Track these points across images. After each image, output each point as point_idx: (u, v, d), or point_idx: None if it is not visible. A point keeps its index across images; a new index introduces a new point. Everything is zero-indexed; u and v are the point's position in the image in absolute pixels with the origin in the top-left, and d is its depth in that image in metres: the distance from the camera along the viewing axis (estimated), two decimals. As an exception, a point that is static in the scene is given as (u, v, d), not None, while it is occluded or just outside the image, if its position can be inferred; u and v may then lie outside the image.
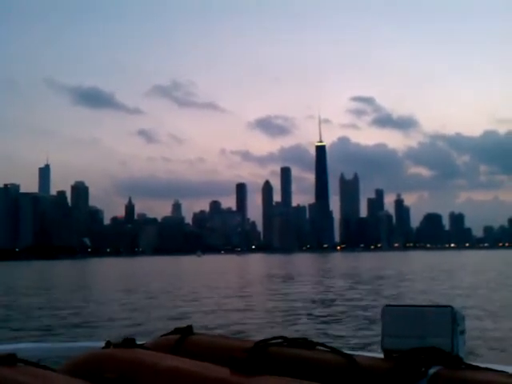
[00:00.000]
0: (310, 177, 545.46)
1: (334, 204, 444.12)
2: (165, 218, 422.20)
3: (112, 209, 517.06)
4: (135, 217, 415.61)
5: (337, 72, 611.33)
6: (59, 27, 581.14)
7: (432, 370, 1.51)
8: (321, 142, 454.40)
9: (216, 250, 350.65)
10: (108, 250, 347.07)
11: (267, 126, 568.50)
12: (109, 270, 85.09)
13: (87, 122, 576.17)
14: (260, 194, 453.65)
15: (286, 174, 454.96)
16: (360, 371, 1.58)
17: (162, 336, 2.04)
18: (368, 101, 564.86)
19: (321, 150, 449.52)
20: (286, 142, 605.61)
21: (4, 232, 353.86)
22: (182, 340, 1.94)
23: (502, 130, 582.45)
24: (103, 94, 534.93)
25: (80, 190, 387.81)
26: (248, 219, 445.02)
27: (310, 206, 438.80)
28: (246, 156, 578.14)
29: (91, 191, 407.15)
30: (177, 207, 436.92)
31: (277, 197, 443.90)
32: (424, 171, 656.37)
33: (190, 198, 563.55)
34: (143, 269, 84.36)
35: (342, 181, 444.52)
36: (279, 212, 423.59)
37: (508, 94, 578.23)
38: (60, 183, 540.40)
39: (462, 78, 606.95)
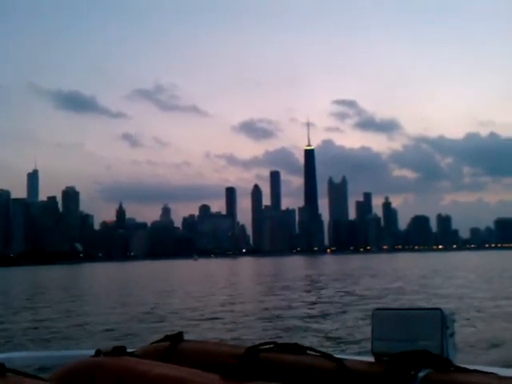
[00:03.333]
0: (296, 180, 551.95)
1: (323, 207, 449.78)
2: (155, 223, 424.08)
3: (99, 213, 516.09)
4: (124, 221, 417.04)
5: (318, 75, 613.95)
6: (40, 32, 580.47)
7: (422, 373, 1.52)
8: (309, 145, 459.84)
9: (207, 254, 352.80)
10: (100, 254, 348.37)
11: (251, 129, 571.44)
12: (123, 275, 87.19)
13: (70, 127, 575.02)
14: (247, 198, 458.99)
15: (275, 177, 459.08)
16: (350, 375, 1.58)
17: (152, 343, 2.03)
18: (350, 104, 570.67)
19: (309, 154, 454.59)
20: (271, 145, 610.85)
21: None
22: (173, 347, 1.93)
23: (484, 132, 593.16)
24: (85, 98, 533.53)
25: (71, 195, 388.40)
26: (238, 223, 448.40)
27: (299, 209, 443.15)
28: (231, 160, 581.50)
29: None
30: (166, 211, 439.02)
31: (264, 200, 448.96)
32: (409, 173, 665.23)
33: (177, 201, 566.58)
34: (160, 273, 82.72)
35: (331, 184, 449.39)
36: (269, 215, 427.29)
37: (489, 97, 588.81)
38: (46, 188, 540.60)
39: (443, 80, 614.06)
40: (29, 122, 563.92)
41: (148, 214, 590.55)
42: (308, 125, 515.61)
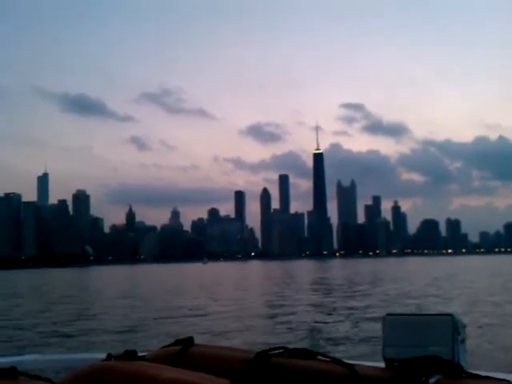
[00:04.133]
0: (303, 183, 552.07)
1: (331, 211, 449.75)
2: (164, 226, 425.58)
3: (107, 216, 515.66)
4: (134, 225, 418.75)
5: (325, 78, 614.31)
6: (46, 35, 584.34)
7: (433, 379, 1.50)
8: (318, 149, 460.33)
9: (216, 257, 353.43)
10: (110, 257, 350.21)
11: (258, 132, 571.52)
12: (135, 278, 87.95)
13: (77, 130, 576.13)
14: (255, 201, 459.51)
15: (284, 181, 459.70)
16: (361, 381, 1.57)
17: (162, 348, 2.04)
18: (357, 107, 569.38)
19: (318, 158, 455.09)
20: (278, 148, 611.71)
21: (7, 241, 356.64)
22: (183, 351, 1.94)
23: (493, 135, 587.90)
24: (92, 102, 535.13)
25: (81, 198, 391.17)
26: (247, 226, 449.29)
27: (308, 212, 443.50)
28: (239, 163, 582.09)
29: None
30: (175, 215, 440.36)
31: (272, 204, 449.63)
32: (417, 177, 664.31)
33: (185, 205, 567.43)
34: (172, 277, 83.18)
35: (340, 188, 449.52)
36: (278, 219, 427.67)
37: (498, 100, 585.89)
38: (55, 191, 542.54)
39: (451, 83, 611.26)
40: (35, 125, 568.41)
41: (156, 218, 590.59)
42: (317, 128, 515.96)
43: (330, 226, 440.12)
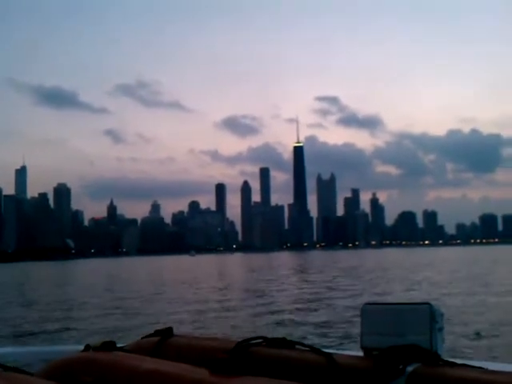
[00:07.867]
0: (280, 175, 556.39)
1: (311, 203, 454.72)
2: (145, 219, 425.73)
3: (85, 209, 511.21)
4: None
5: (301, 72, 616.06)
6: (19, 25, 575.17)
7: (410, 368, 1.52)
8: (298, 142, 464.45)
9: (197, 250, 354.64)
10: (92, 250, 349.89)
11: (235, 125, 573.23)
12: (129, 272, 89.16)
13: (53, 123, 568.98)
14: (233, 194, 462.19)
15: (264, 174, 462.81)
16: (339, 370, 1.58)
17: (142, 338, 2.02)
18: (332, 100, 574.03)
19: (298, 151, 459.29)
20: (255, 141, 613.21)
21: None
22: (162, 342, 1.93)
23: (466, 129, 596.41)
24: (66, 94, 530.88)
25: (62, 191, 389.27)
26: (227, 219, 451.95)
27: (288, 205, 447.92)
28: (215, 156, 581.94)
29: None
30: (155, 208, 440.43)
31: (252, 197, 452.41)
32: (392, 170, 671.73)
33: (165, 197, 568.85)
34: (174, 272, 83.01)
35: (319, 180, 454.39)
36: (259, 211, 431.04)
37: (471, 94, 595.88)
38: (31, 184, 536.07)
39: (425, 77, 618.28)
40: (11, 117, 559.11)
41: (135, 211, 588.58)
42: (297, 122, 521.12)
43: (310, 219, 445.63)
